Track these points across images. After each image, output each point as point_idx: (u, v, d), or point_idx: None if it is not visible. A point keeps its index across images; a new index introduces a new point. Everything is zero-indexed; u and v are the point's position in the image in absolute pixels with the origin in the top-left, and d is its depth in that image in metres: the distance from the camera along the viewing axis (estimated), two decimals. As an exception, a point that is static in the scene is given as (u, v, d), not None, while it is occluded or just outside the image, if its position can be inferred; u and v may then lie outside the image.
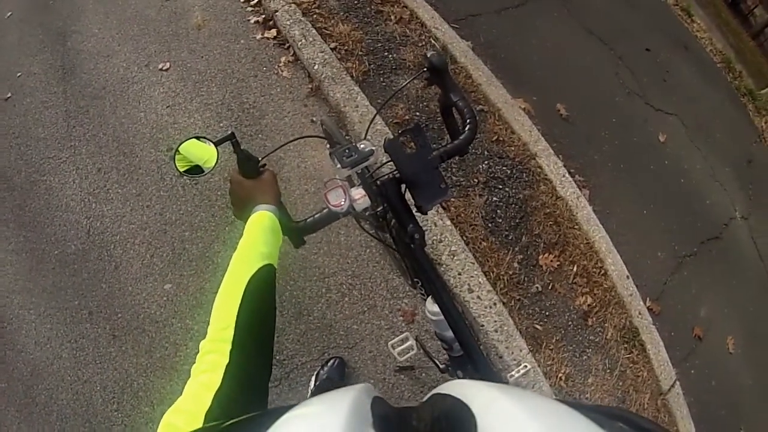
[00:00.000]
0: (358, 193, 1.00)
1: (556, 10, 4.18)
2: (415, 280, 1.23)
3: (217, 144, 1.02)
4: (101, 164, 2.74)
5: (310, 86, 2.86)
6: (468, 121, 1.10)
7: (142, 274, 2.41)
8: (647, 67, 4.41)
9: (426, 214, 1.05)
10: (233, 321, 0.72)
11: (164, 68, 3.07)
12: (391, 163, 1.03)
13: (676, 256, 3.23)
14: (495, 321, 2.18)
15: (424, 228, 1.09)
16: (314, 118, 2.74)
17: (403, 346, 1.38)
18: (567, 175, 2.83)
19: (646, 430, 0.41)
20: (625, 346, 2.56)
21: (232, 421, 0.51)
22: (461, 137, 1.09)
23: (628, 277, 2.75)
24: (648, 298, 2.83)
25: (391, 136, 0.90)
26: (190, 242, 2.47)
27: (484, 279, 2.24)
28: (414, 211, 1.05)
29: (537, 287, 2.40)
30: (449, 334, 1.18)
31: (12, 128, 3.04)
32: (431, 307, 1.20)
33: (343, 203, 0.98)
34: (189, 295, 2.34)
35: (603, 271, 2.66)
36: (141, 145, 2.77)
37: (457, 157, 1.15)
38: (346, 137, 2.54)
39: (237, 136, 1.00)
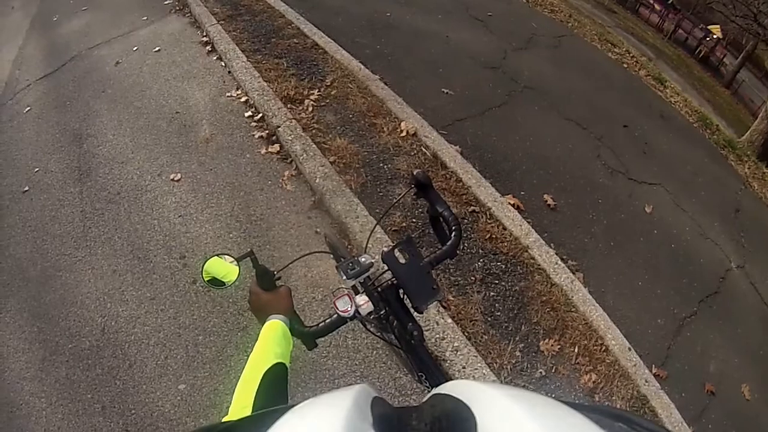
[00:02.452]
0: (363, 300, 1.11)
1: (535, 104, 4.55)
2: (420, 374, 1.30)
3: (238, 260, 1.16)
4: (116, 266, 2.84)
5: (312, 199, 3.08)
6: (453, 229, 1.22)
7: (157, 373, 2.44)
8: (626, 143, 4.70)
9: (422, 313, 1.14)
10: (251, 401, 0.83)
11: (176, 179, 3.25)
12: (389, 271, 1.14)
13: (677, 319, 3.29)
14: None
15: (425, 327, 1.24)
16: (318, 230, 2.93)
17: None
18: (560, 262, 3.00)
19: (646, 430, 0.42)
20: (636, 415, 2.65)
21: (232, 422, 0.53)
22: (448, 243, 1.21)
23: (629, 348, 2.82)
24: (653, 365, 2.88)
25: (388, 248, 1.09)
26: (204, 346, 2.52)
27: (488, 370, 2.37)
28: (412, 312, 1.14)
29: (540, 372, 2.51)
30: None
31: (29, 221, 3.18)
32: None
33: (350, 309, 1.09)
34: (203, 396, 2.36)
35: (604, 348, 2.75)
36: (155, 251, 2.88)
37: (449, 260, 1.27)
38: (348, 247, 2.77)
39: (254, 252, 1.16)
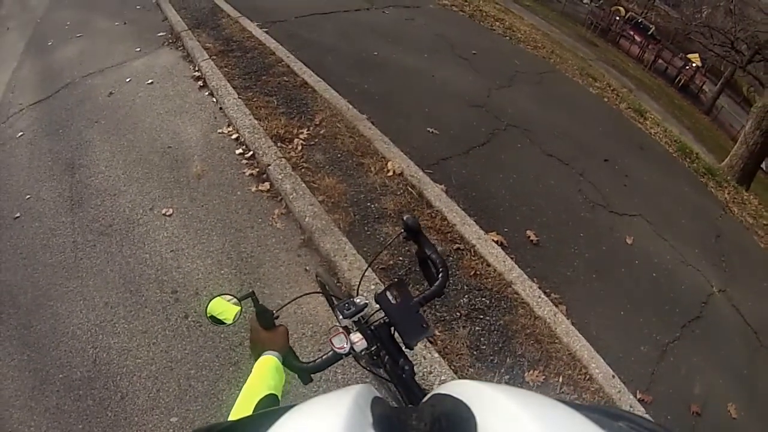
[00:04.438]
0: (357, 338, 1.18)
1: (518, 141, 4.73)
2: (409, 406, 1.29)
3: (240, 300, 1.22)
4: (108, 299, 2.83)
5: (302, 237, 3.18)
6: (441, 270, 1.29)
7: (149, 406, 2.43)
8: (607, 176, 4.86)
9: (413, 349, 1.21)
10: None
11: (167, 213, 3.30)
12: (382, 311, 1.20)
13: (660, 345, 3.36)
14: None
15: (414, 361, 1.30)
16: (308, 268, 3.01)
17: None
18: (543, 295, 3.11)
19: (646, 429, 0.42)
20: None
21: (232, 422, 0.54)
22: (436, 284, 1.27)
23: (614, 376, 2.88)
24: (638, 391, 2.93)
25: (380, 289, 1.17)
26: (196, 379, 2.53)
27: None
28: (403, 348, 1.19)
29: None
30: None
31: (20, 248, 3.16)
32: None
33: (345, 346, 1.16)
34: None
35: (588, 377, 2.82)
36: (147, 285, 2.89)
37: (436, 298, 1.34)
38: (338, 284, 2.83)
39: (255, 293, 1.23)
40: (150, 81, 4.65)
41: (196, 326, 2.75)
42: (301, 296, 1.56)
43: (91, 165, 3.74)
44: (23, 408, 2.47)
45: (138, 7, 6.25)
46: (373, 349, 1.22)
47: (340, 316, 1.22)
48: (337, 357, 1.18)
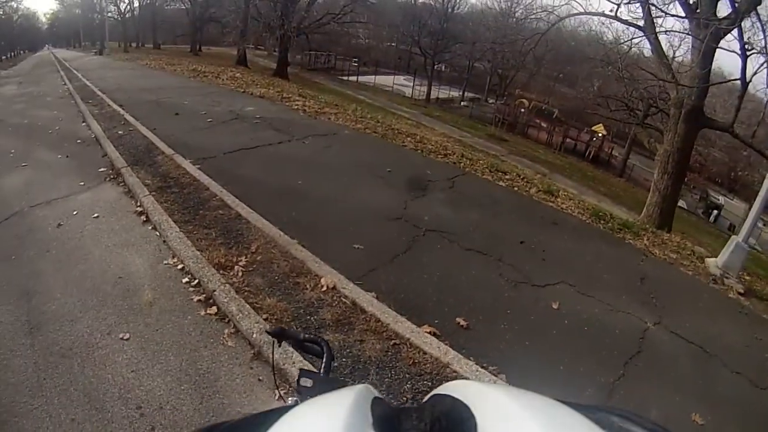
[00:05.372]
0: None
1: (437, 243, 5.17)
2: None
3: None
4: (74, 415, 2.87)
5: (252, 351, 3.39)
6: (319, 341, 1.43)
7: None
8: (525, 256, 5.26)
9: None
10: None
11: (125, 338, 3.43)
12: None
13: (605, 385, 3.51)
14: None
15: None
16: (261, 378, 3.16)
17: None
18: (480, 369, 3.34)
19: (646, 429, 0.42)
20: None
21: (232, 421, 0.53)
22: (326, 352, 1.39)
23: None
24: None
25: (296, 384, 1.30)
26: None
27: None
28: None
29: None
30: None
31: None
32: None
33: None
34: None
35: None
36: (111, 402, 2.96)
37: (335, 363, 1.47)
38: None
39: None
40: (95, 215, 4.94)
41: (164, 444, 2.81)
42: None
43: (46, 292, 3.88)
44: None
45: (78, 141, 6.62)
46: None
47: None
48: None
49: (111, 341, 3.46)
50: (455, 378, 3.31)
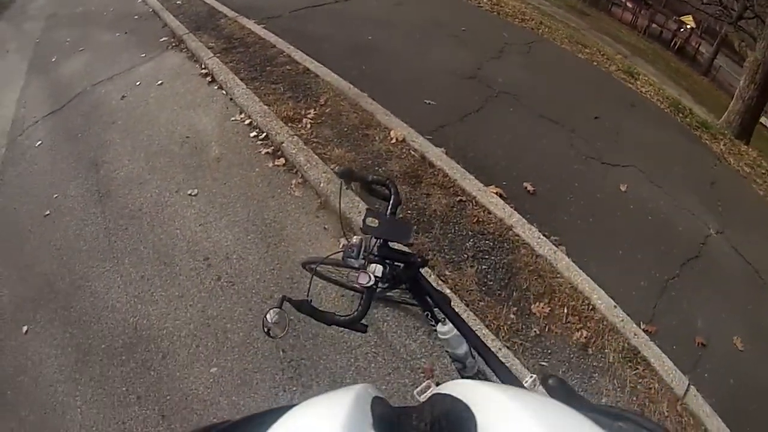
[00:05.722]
0: (373, 267, 1.31)
1: (510, 106, 4.92)
2: (426, 313, 1.49)
3: (279, 307, 1.26)
4: (144, 272, 3.04)
5: (319, 201, 3.42)
6: (387, 184, 1.48)
7: (189, 360, 2.60)
8: (598, 132, 5.02)
9: (412, 245, 1.39)
10: None
11: (193, 194, 3.53)
12: (372, 237, 1.38)
13: (660, 281, 3.49)
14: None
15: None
16: (326, 226, 3.24)
17: (425, 392, 1.40)
18: (542, 237, 3.31)
19: (646, 429, 0.42)
20: (630, 364, 2.81)
21: (232, 421, 0.54)
22: (393, 194, 1.45)
23: (615, 306, 3.03)
24: (641, 322, 3.07)
25: (363, 224, 1.34)
26: (232, 332, 2.71)
27: (487, 330, 2.69)
28: (407, 250, 1.41)
29: (535, 331, 2.79)
30: (461, 350, 1.46)
31: (53, 241, 3.35)
32: (441, 329, 1.46)
33: (371, 278, 1.28)
34: (234, 376, 2.54)
35: (591, 307, 3.00)
36: (180, 256, 3.11)
37: (401, 206, 1.53)
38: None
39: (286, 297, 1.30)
40: (160, 82, 4.85)
41: (229, 286, 2.95)
42: (313, 275, 1.67)
43: (114, 161, 3.94)
44: (67, 381, 2.63)
45: (135, 17, 6.41)
46: (388, 270, 1.34)
47: (351, 261, 1.35)
48: (370, 293, 1.29)
49: (179, 198, 3.53)
50: (516, 241, 3.28)
